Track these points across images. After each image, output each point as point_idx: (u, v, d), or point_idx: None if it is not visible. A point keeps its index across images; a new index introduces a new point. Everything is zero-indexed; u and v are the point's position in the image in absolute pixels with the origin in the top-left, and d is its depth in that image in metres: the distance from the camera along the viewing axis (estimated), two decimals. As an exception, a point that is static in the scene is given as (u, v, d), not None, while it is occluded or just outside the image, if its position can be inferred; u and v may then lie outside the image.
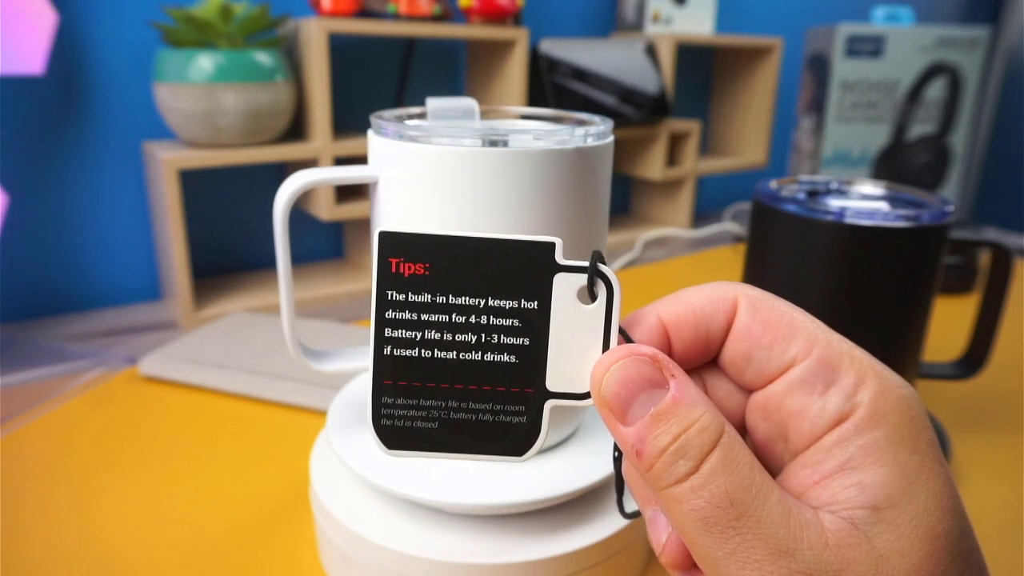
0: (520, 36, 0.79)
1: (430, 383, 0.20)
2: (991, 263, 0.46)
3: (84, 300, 0.71)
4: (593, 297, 0.19)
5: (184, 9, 0.62)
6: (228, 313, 0.67)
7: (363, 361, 0.35)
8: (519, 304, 0.19)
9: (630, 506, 0.21)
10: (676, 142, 0.99)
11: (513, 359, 0.19)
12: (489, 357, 0.19)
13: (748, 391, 0.20)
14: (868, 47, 1.01)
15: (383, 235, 0.19)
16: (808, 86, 1.08)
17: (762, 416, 0.19)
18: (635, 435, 0.18)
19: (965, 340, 0.49)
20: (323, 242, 0.84)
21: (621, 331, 0.20)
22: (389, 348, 0.19)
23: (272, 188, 0.36)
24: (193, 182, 0.72)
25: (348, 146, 0.71)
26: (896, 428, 0.17)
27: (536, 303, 0.19)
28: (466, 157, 0.28)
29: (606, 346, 0.19)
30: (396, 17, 0.73)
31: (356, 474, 0.32)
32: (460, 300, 0.19)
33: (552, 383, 0.20)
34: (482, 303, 0.19)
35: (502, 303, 0.19)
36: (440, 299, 0.19)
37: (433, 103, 0.34)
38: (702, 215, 1.11)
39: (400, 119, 0.33)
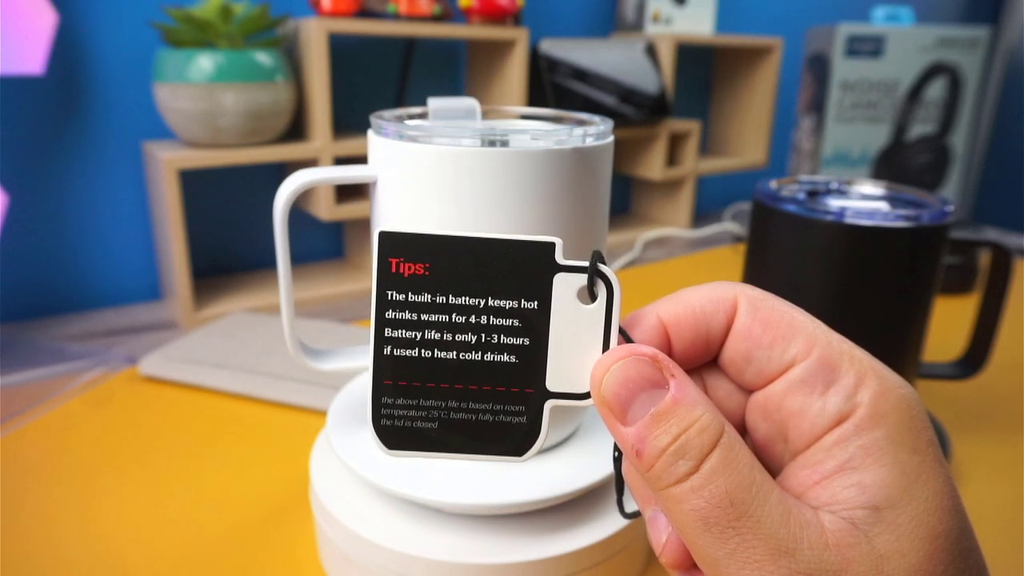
0: (520, 36, 0.79)
1: (430, 383, 0.20)
2: (991, 263, 0.46)
3: (84, 300, 0.71)
4: (593, 297, 0.19)
5: (184, 9, 0.62)
6: (228, 313, 0.67)
7: (362, 360, 0.35)
8: (519, 304, 0.19)
9: (630, 506, 0.21)
10: (676, 142, 0.99)
11: (513, 359, 0.19)
12: (489, 357, 0.19)
13: (748, 391, 0.20)
14: (868, 47, 1.01)
15: (383, 235, 0.19)
16: (808, 86, 1.08)
17: (762, 416, 0.19)
18: (635, 435, 0.18)
19: (965, 340, 0.49)
20: (323, 242, 0.84)
21: (621, 331, 0.20)
22: (389, 348, 0.19)
23: (272, 188, 0.36)
24: (193, 182, 0.72)
25: (348, 146, 0.71)
26: (896, 428, 0.17)
27: (536, 303, 0.19)
28: (466, 157, 0.28)
29: (606, 346, 0.19)
30: (396, 17, 0.73)
31: (356, 474, 0.32)
32: (460, 300, 0.19)
33: (552, 383, 0.20)
34: (482, 303, 0.19)
35: (502, 303, 0.19)
36: (440, 299, 0.19)
37: (435, 103, 0.34)
38: (702, 215, 1.11)
39: (400, 119, 0.33)
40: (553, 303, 0.19)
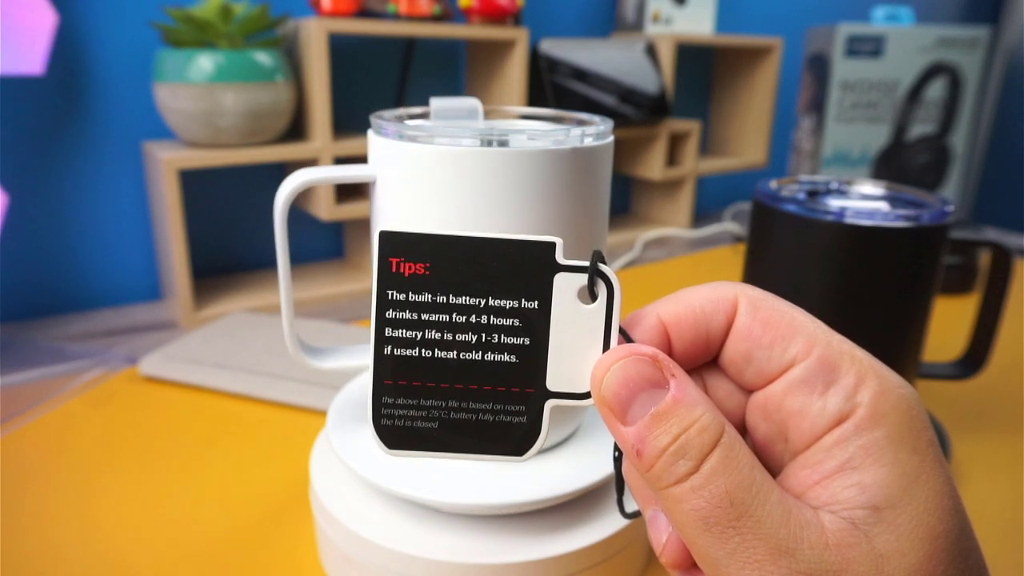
0: (520, 36, 0.79)
1: (430, 383, 0.20)
2: (991, 263, 0.46)
3: (84, 300, 0.71)
4: (593, 297, 0.19)
5: (184, 9, 0.62)
6: (228, 313, 0.67)
7: (361, 359, 0.35)
8: (519, 304, 0.19)
9: (630, 506, 0.21)
10: (676, 142, 0.99)
11: (513, 359, 0.19)
12: (489, 357, 0.19)
13: (748, 391, 0.20)
14: (868, 47, 1.01)
15: (383, 235, 0.19)
16: (808, 86, 1.08)
17: (762, 416, 0.19)
18: (635, 435, 0.18)
19: (965, 340, 0.49)
20: (323, 242, 0.84)
21: (621, 331, 0.20)
22: (389, 348, 0.19)
23: (272, 188, 0.36)
24: (193, 182, 0.72)
25: (348, 146, 0.71)
26: (896, 428, 0.17)
27: (536, 303, 0.19)
28: (465, 157, 0.28)
29: (606, 346, 0.19)
30: (396, 17, 0.73)
31: (356, 474, 0.32)
32: (460, 300, 0.19)
33: (552, 383, 0.20)
34: (482, 303, 0.19)
35: (502, 303, 0.19)
36: (440, 299, 0.19)
37: (437, 103, 0.34)
38: (702, 215, 1.11)
39: (400, 119, 0.33)
40: (553, 303, 0.19)
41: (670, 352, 0.20)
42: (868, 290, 0.42)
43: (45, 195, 0.68)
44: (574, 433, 0.36)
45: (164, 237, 0.66)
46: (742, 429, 0.20)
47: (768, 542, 0.16)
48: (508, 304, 0.19)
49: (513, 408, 0.20)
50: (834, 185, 0.48)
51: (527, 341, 0.19)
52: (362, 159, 0.33)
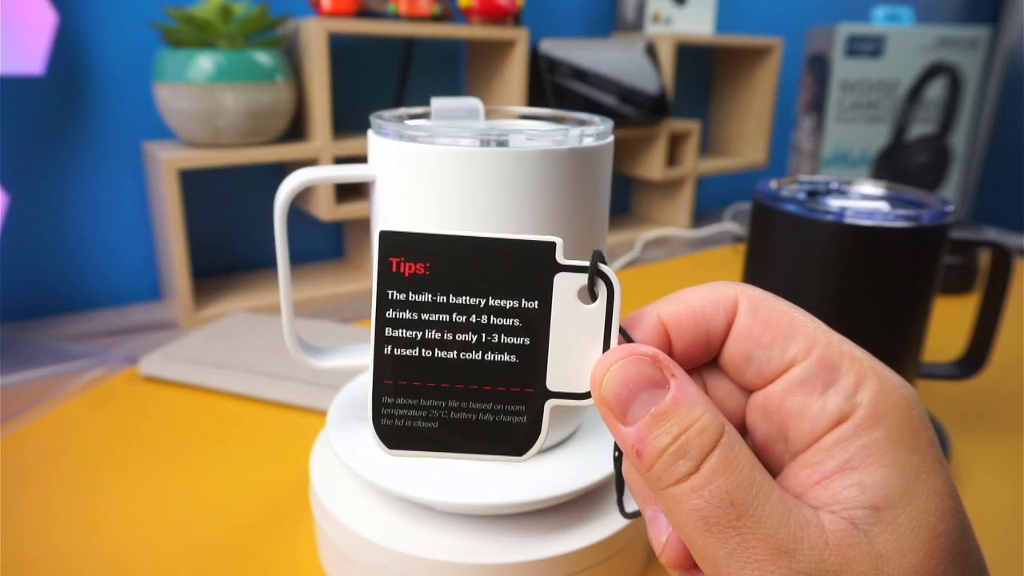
0: (520, 36, 0.79)
1: (430, 383, 0.20)
2: (991, 263, 0.46)
3: (84, 300, 0.71)
4: (594, 297, 0.19)
5: (184, 9, 0.62)
6: (228, 313, 0.67)
7: (360, 358, 0.35)
8: (519, 304, 0.19)
9: (630, 506, 0.21)
10: (676, 142, 0.99)
11: (513, 359, 0.19)
12: (489, 357, 0.19)
13: (748, 391, 0.20)
14: (868, 47, 1.01)
15: (384, 235, 0.19)
16: (808, 86, 1.08)
17: (762, 416, 0.19)
18: (635, 435, 0.18)
19: (965, 340, 0.49)
20: (323, 242, 0.84)
21: (621, 331, 0.20)
22: (390, 348, 0.19)
23: (272, 188, 0.36)
24: (193, 182, 0.72)
25: (348, 146, 0.71)
26: (896, 428, 0.17)
27: (536, 303, 0.19)
28: (465, 157, 0.28)
29: (606, 346, 0.19)
30: (396, 17, 0.73)
31: (356, 474, 0.32)
32: (460, 300, 0.19)
33: (552, 383, 0.20)
34: (482, 303, 0.19)
35: (502, 303, 0.19)
36: (440, 299, 0.19)
37: (438, 103, 0.34)
38: (702, 215, 1.11)
39: (400, 119, 0.33)
40: (553, 303, 0.19)
41: (670, 352, 0.20)
42: (868, 290, 0.42)
43: (45, 195, 0.68)
44: (574, 433, 0.36)
45: (164, 237, 0.66)
46: (742, 429, 0.20)
47: (768, 542, 0.16)
48: (508, 304, 0.19)
49: (513, 408, 0.20)
50: (834, 185, 0.48)
51: (527, 341, 0.19)
52: (362, 159, 0.33)
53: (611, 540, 0.33)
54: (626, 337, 0.19)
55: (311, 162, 0.70)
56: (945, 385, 0.55)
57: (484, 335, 0.19)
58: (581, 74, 0.88)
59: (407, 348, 0.19)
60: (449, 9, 0.77)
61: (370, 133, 0.32)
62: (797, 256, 0.43)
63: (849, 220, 0.41)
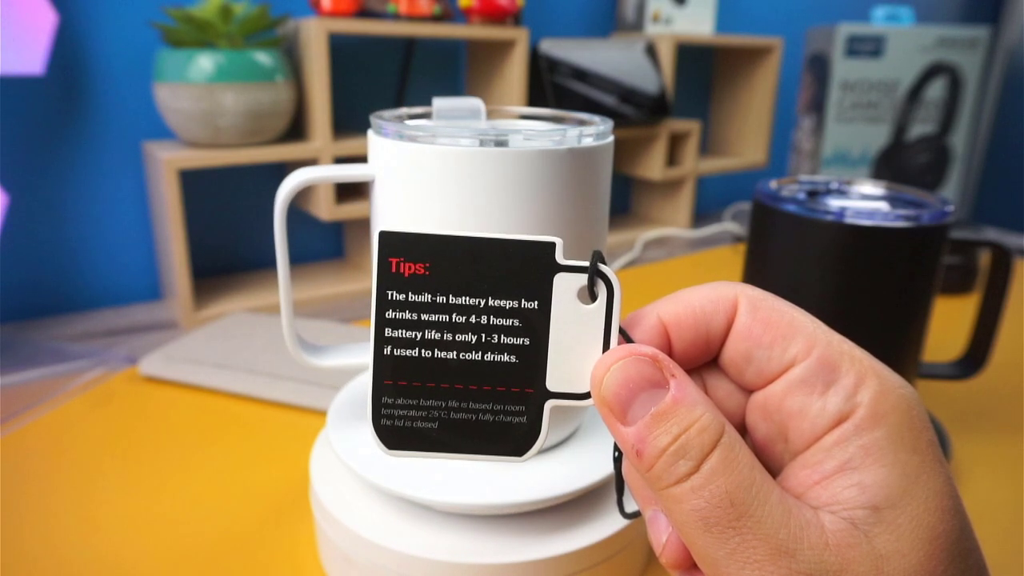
0: (520, 36, 0.79)
1: (430, 383, 0.20)
2: (991, 263, 0.46)
3: (84, 300, 0.71)
4: (593, 297, 0.19)
5: (184, 9, 0.62)
6: (228, 313, 0.67)
7: (360, 357, 0.35)
8: (519, 304, 0.19)
9: (630, 506, 0.21)
10: (676, 142, 0.99)
11: (513, 359, 0.19)
12: (489, 357, 0.19)
13: (748, 391, 0.20)
14: (868, 47, 1.01)
15: (383, 235, 0.19)
16: (808, 86, 1.08)
17: (762, 416, 0.19)
18: (635, 435, 0.18)
19: (965, 340, 0.49)
20: (323, 242, 0.84)
21: (621, 331, 0.20)
22: (389, 348, 0.19)
23: (272, 188, 0.36)
24: (193, 182, 0.72)
25: (348, 146, 0.71)
26: (896, 428, 0.17)
27: (536, 303, 0.19)
28: (465, 157, 0.28)
29: (606, 346, 0.19)
30: (396, 17, 0.73)
31: (356, 474, 0.32)
32: (460, 300, 0.19)
33: (552, 383, 0.20)
34: (482, 303, 0.19)
35: (502, 303, 0.19)
36: (440, 299, 0.19)
37: (440, 103, 0.34)
38: (702, 215, 1.11)
39: (400, 119, 0.33)
40: (553, 303, 0.19)
41: (670, 352, 0.20)
42: (868, 290, 0.42)
43: (45, 195, 0.68)
44: (574, 433, 0.36)
45: (164, 237, 0.66)
46: (742, 429, 0.20)
47: (768, 542, 0.16)
48: (508, 304, 0.19)
49: (513, 408, 0.20)
50: (834, 185, 0.48)
51: (527, 341, 0.19)
52: (362, 159, 0.33)
53: (611, 540, 0.33)
54: (626, 337, 0.19)
55: (311, 162, 0.70)
56: (945, 385, 0.55)
57: (484, 335, 0.19)
58: (581, 74, 0.88)
59: (407, 348, 0.19)
60: (449, 9, 0.77)
61: (370, 133, 0.32)
62: (797, 256, 0.43)
63: (849, 220, 0.41)
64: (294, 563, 0.37)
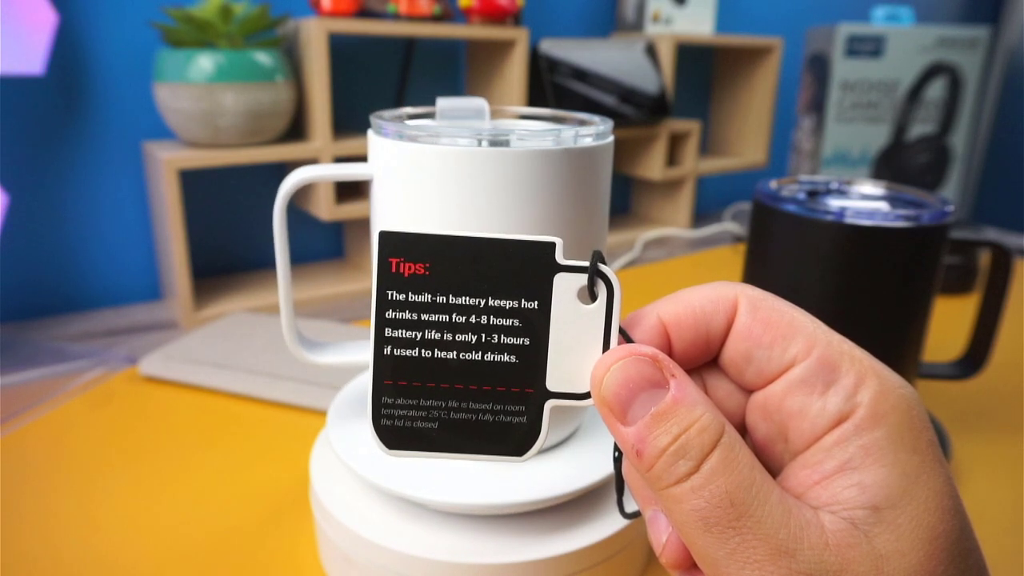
0: (520, 36, 0.79)
1: (430, 383, 0.20)
2: (991, 263, 0.46)
3: (84, 300, 0.71)
4: (593, 297, 0.19)
5: (184, 9, 0.62)
6: (228, 313, 0.67)
7: (359, 355, 0.35)
8: (519, 304, 0.19)
9: (630, 506, 0.21)
10: (676, 142, 0.99)
11: (513, 359, 0.19)
12: (489, 357, 0.19)
13: (748, 391, 0.20)
14: (868, 47, 1.01)
15: (383, 235, 0.19)
16: (808, 86, 1.08)
17: (762, 416, 0.19)
18: (635, 435, 0.18)
19: (965, 340, 0.49)
20: (323, 242, 0.84)
21: (621, 331, 0.19)
22: (389, 348, 0.19)
23: (272, 188, 0.36)
24: (193, 182, 0.72)
25: (348, 146, 0.71)
26: (896, 428, 0.17)
27: (536, 303, 0.19)
28: (465, 157, 0.28)
29: (606, 346, 0.19)
30: (396, 17, 0.73)
31: (356, 474, 0.32)
32: (460, 300, 0.19)
33: (552, 383, 0.20)
34: (482, 303, 0.19)
35: (502, 303, 0.19)
36: (440, 299, 0.19)
37: (443, 103, 0.34)
38: (702, 215, 1.11)
39: (400, 119, 0.33)
40: (553, 303, 0.19)
41: (670, 352, 0.20)
42: (868, 290, 0.42)
43: (45, 195, 0.68)
44: (574, 433, 0.36)
45: (164, 237, 0.66)
46: (742, 429, 0.20)
47: (768, 542, 0.16)
48: (508, 304, 0.19)
49: (513, 408, 0.20)
50: (834, 185, 0.48)
51: (527, 341, 0.19)
52: (362, 159, 0.33)
53: (611, 540, 0.33)
54: (626, 337, 0.19)
55: (311, 162, 0.70)
56: (945, 385, 0.55)
57: (484, 335, 0.19)
58: (581, 74, 0.88)
59: (407, 348, 0.19)
60: (449, 9, 0.77)
61: (370, 133, 0.32)
62: (797, 256, 0.43)
63: (849, 220, 0.41)
64: (294, 563, 0.37)
